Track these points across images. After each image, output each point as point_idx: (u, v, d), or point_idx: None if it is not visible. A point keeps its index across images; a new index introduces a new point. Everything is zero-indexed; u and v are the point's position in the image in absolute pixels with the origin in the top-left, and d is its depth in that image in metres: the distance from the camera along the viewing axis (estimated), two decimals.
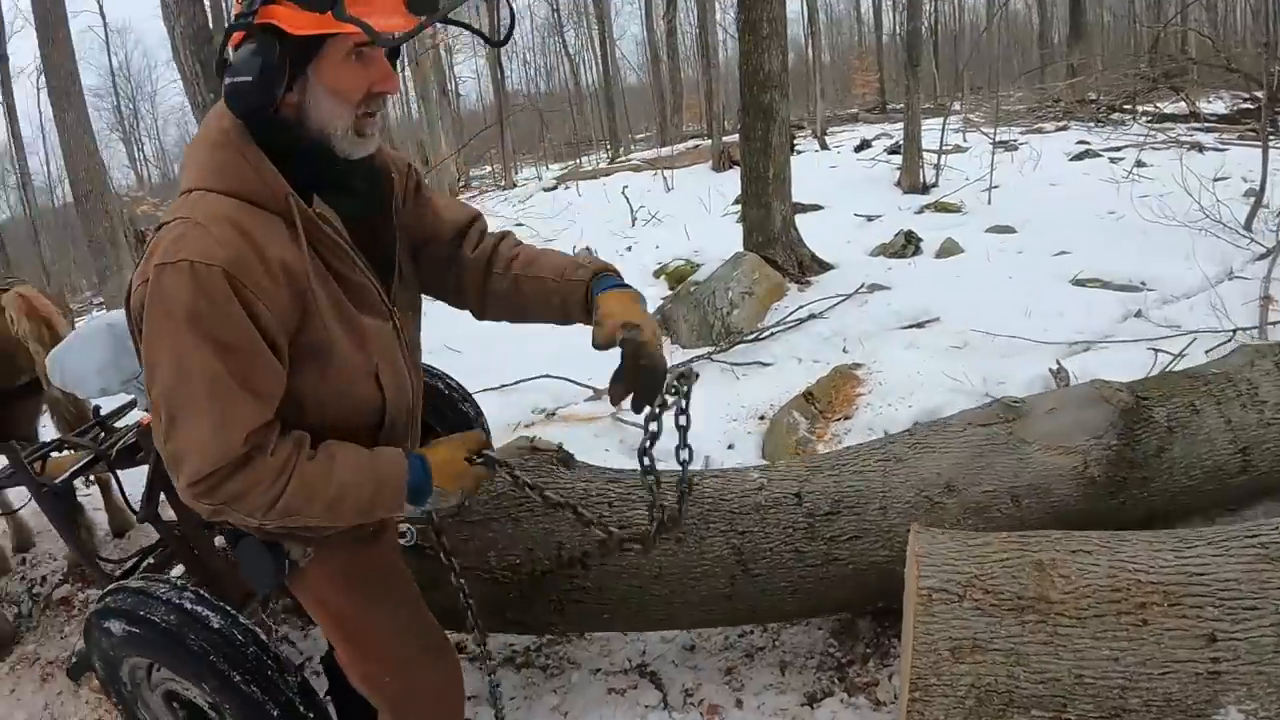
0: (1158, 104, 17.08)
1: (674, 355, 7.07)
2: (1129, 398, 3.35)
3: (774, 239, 8.29)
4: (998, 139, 13.93)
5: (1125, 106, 17.28)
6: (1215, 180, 9.17)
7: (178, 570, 3.77)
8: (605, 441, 5.59)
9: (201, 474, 1.81)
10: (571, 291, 2.32)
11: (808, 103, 23.59)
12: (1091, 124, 16.48)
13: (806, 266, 8.33)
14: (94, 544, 4.93)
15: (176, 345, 1.77)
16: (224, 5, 12.31)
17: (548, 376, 6.71)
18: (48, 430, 5.01)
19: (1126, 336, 5.80)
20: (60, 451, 4.23)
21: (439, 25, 2.03)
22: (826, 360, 6.14)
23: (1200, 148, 12.50)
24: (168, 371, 1.80)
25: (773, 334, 6.87)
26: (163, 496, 3.63)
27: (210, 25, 8.57)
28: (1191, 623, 2.40)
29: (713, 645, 3.70)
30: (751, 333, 6.97)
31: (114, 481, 4.09)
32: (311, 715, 2.78)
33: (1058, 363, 5.13)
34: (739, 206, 9.52)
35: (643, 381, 2.31)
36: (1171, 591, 2.44)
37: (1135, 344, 5.53)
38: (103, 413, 4.40)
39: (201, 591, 2.90)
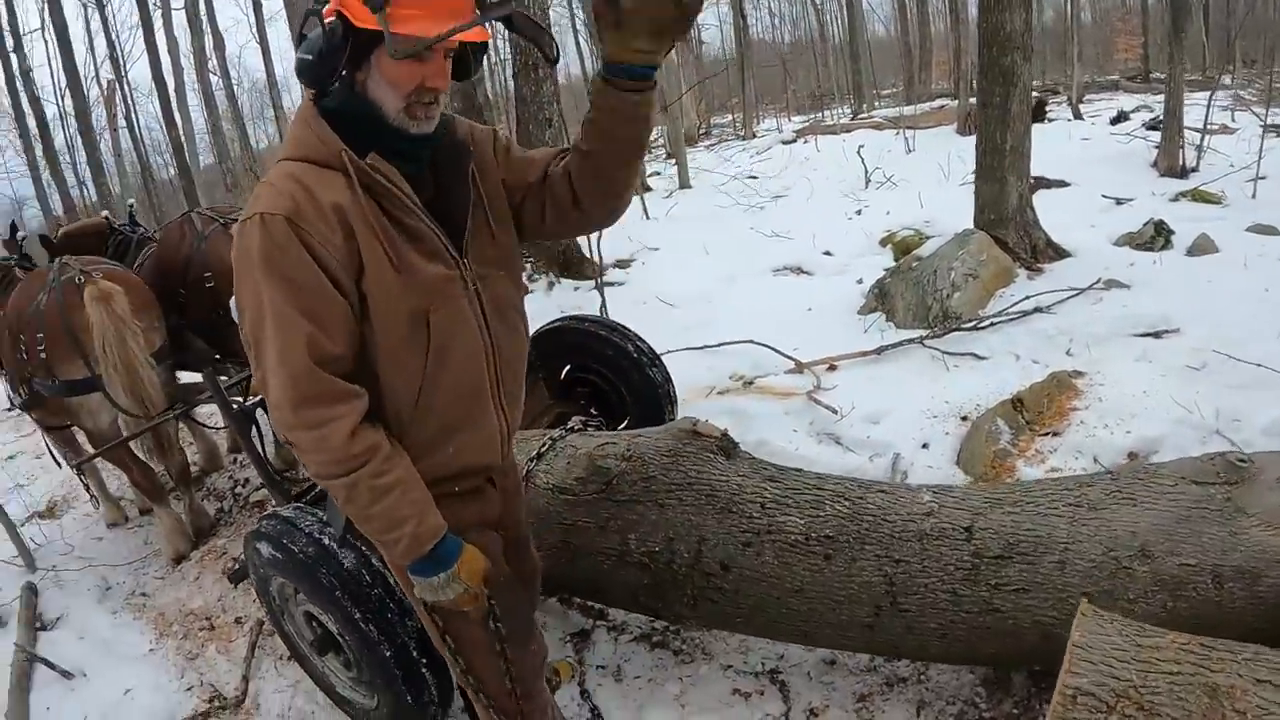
0: None
1: (887, 332, 6.76)
2: None
3: (1007, 218, 7.62)
4: (1269, 121, 12.72)
5: None
6: None
7: None
8: (795, 421, 5.42)
9: (282, 407, 2.08)
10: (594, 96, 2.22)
11: (1065, 67, 22.27)
12: None
13: (1040, 251, 7.66)
14: (281, 464, 5.31)
15: (253, 284, 2.05)
16: None
17: (752, 342, 6.56)
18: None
19: None
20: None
21: None
22: (1046, 362, 5.64)
23: None
24: (249, 309, 2.08)
25: (993, 324, 6.35)
26: None
27: None
28: None
29: (855, 665, 3.51)
30: (970, 320, 6.47)
31: None
32: (424, 661, 3.02)
33: None
34: None
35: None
36: None
37: None
38: None
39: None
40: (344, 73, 2.09)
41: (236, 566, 3.93)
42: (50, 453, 6.01)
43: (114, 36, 28.23)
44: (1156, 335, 5.81)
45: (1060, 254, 7.78)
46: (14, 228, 6.37)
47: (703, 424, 3.49)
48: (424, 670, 3.06)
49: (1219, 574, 2.70)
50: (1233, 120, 14.12)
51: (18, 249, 6.15)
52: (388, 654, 3.01)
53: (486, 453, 2.45)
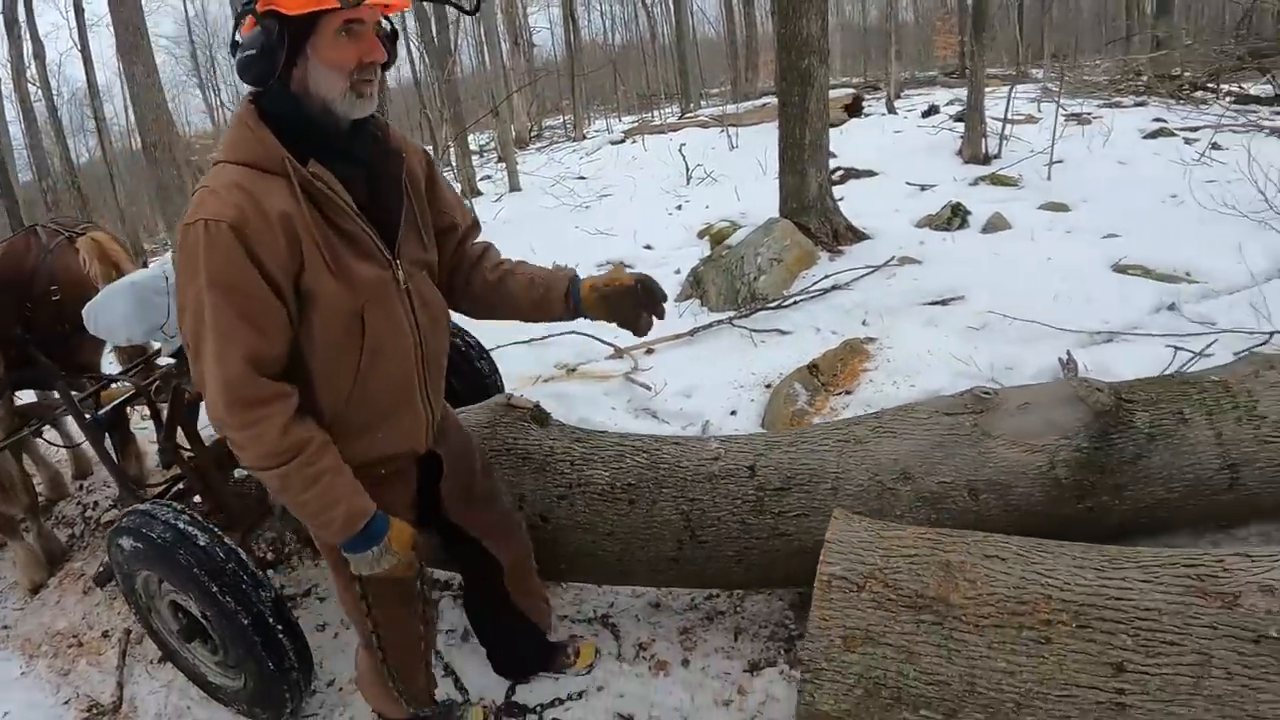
0: (1243, 84, 16.43)
1: (701, 316, 7.12)
2: (1108, 399, 3.22)
3: (808, 206, 8.14)
4: (1073, 112, 13.58)
5: (1209, 85, 16.64)
6: None
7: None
8: (614, 400, 5.71)
9: (218, 408, 2.21)
10: (556, 283, 2.80)
11: (886, 64, 23.20)
12: (1170, 101, 15.89)
13: (841, 235, 8.18)
14: (140, 471, 5.39)
15: (196, 289, 2.15)
16: None
17: (575, 333, 6.81)
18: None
19: (1154, 330, 5.60)
20: (110, 387, 4.79)
21: None
22: (845, 332, 6.09)
23: None
24: (190, 311, 2.18)
25: (796, 303, 6.80)
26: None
27: None
28: (1099, 648, 2.32)
29: (678, 605, 3.83)
30: (775, 300, 6.89)
31: (159, 415, 4.37)
32: (280, 628, 3.23)
33: (1068, 353, 5.00)
34: None
35: (657, 296, 2.81)
36: (1083, 612, 2.37)
37: (1158, 339, 5.35)
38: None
39: (195, 515, 3.39)
40: (280, 73, 2.20)
41: (101, 569, 4.08)
42: None
43: None
44: (943, 303, 6.32)
45: (860, 236, 8.32)
46: None
47: (517, 398, 3.75)
48: (281, 636, 3.26)
49: (973, 488, 3.16)
50: (1038, 110, 14.96)
51: None
52: (246, 623, 3.19)
53: (412, 439, 2.64)
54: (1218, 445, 3.23)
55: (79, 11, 26.54)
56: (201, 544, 3.25)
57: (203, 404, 3.31)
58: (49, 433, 5.95)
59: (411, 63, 27.95)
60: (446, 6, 2.64)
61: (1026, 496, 3.15)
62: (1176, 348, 5.08)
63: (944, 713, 2.42)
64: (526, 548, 3.23)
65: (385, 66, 2.35)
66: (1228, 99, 15.27)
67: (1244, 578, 2.33)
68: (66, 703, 4.11)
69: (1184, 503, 3.28)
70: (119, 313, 3.96)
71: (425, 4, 15.97)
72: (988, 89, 12.89)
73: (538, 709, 3.42)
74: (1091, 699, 2.29)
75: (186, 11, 41.84)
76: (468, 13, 2.74)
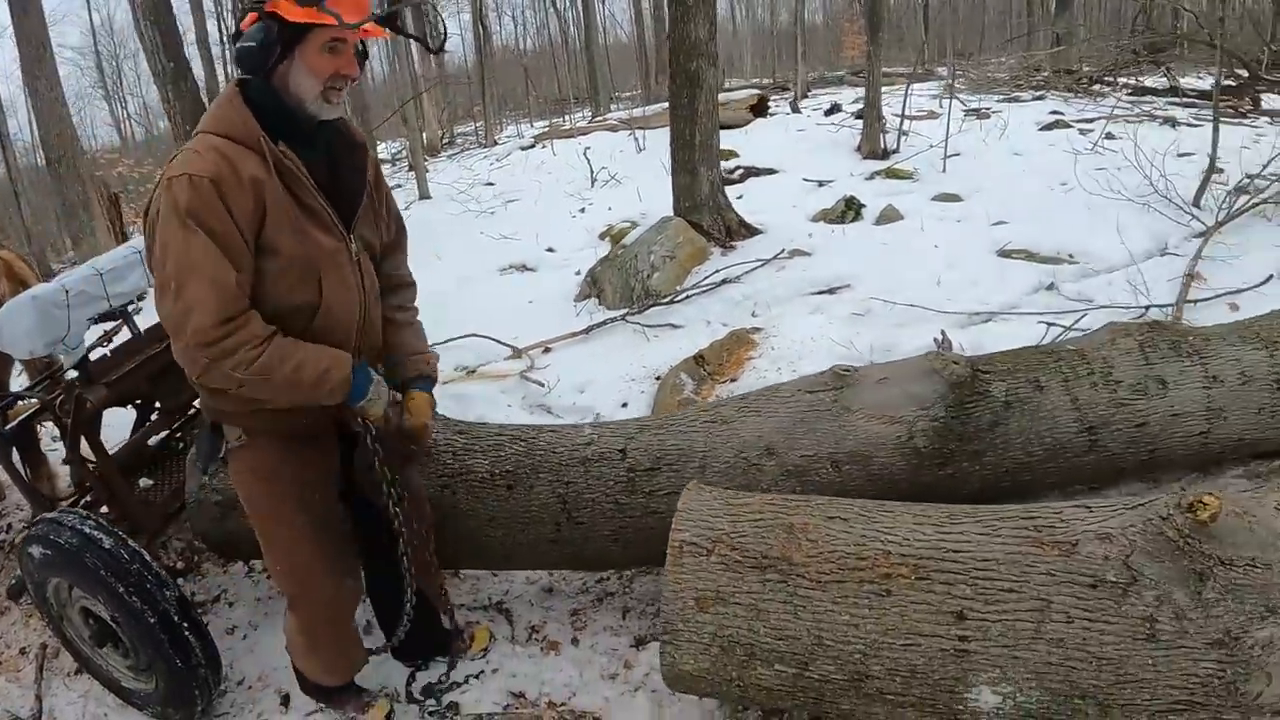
0: (1139, 78, 16.90)
1: (597, 315, 7.22)
2: (963, 370, 3.37)
3: (701, 204, 8.34)
4: (973, 107, 13.89)
5: (1107, 79, 17.11)
6: (1180, 156, 9.24)
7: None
8: (510, 397, 5.82)
9: (204, 326, 2.48)
10: (398, 365, 3.12)
11: (794, 65, 23.47)
12: (1068, 95, 16.30)
13: (734, 231, 8.38)
14: (53, 490, 5.23)
15: (181, 231, 2.46)
16: None
17: (475, 335, 6.91)
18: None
19: (1031, 309, 5.81)
20: (18, 404, 4.75)
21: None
22: (735, 323, 6.27)
23: (1174, 122, 12.28)
24: (175, 250, 2.48)
25: (688, 297, 6.96)
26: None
27: None
28: (939, 598, 2.43)
29: (570, 589, 3.99)
30: (667, 296, 7.03)
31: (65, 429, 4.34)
32: (186, 625, 3.36)
33: (942, 333, 5.18)
34: None
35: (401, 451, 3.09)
36: (921, 565, 2.48)
37: (1033, 316, 5.55)
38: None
39: (100, 520, 3.52)
40: (270, 66, 2.55)
41: (13, 581, 4.06)
42: None
43: None
44: (830, 291, 6.52)
45: (753, 232, 8.53)
46: None
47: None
48: (187, 634, 3.38)
49: (835, 460, 3.31)
50: (940, 107, 15.24)
51: None
52: (152, 621, 3.31)
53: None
54: (1074, 409, 3.41)
55: None
56: (106, 547, 3.37)
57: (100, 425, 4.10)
58: None
59: None
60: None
61: (888, 466, 3.30)
62: (1049, 324, 5.29)
63: (796, 666, 2.54)
64: (428, 525, 3.34)
65: (353, 80, 2.69)
66: (1124, 91, 15.67)
67: (1081, 527, 2.46)
68: None
69: (1046, 466, 3.45)
70: (21, 327, 3.99)
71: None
72: (894, 87, 13.19)
73: (436, 694, 3.52)
74: (935, 647, 2.40)
75: (92, 21, 41.00)
76: (432, 51, 3.06)
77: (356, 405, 2.80)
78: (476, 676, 3.58)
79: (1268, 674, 2.27)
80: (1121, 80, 16.70)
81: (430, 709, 3.47)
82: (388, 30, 2.70)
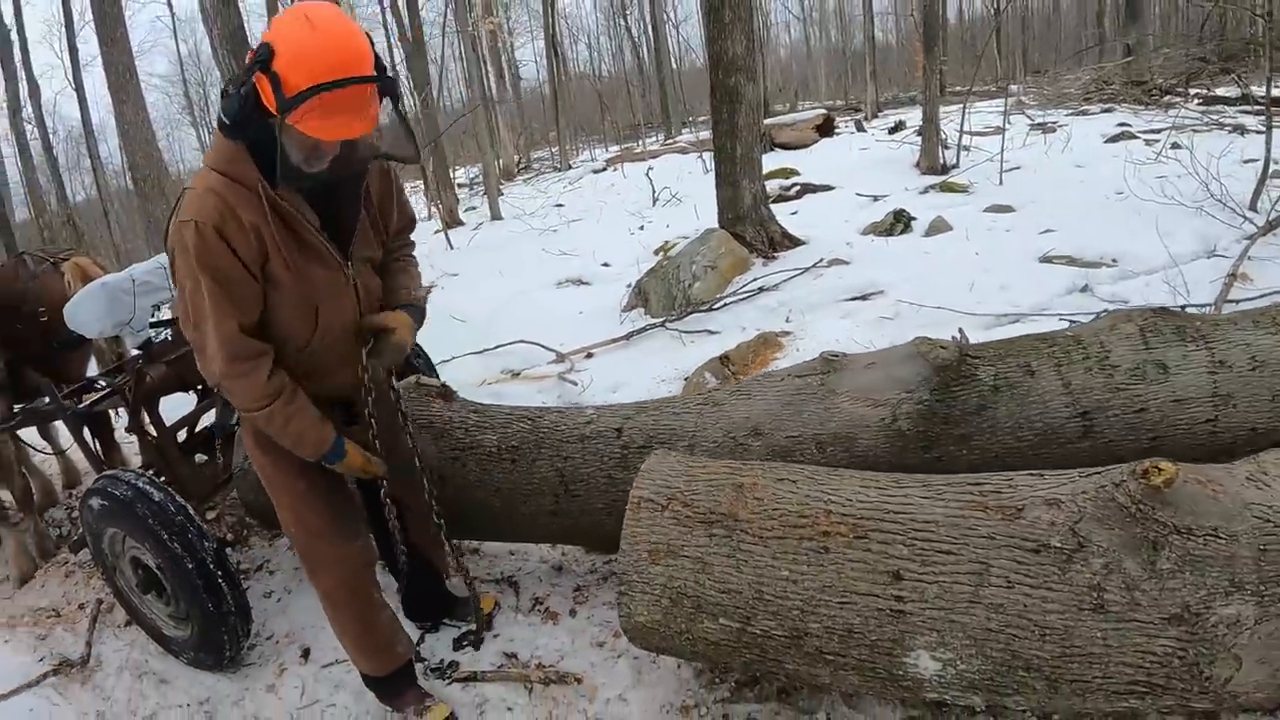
0: (1211, 87, 16.62)
1: (641, 323, 7.44)
2: (949, 355, 3.36)
3: (743, 216, 8.54)
4: (1039, 122, 13.85)
5: (1177, 89, 16.86)
6: (1245, 162, 9.08)
7: None
8: (545, 396, 6.08)
9: (211, 370, 2.78)
10: (387, 301, 3.23)
11: (865, 86, 23.52)
12: (1138, 107, 16.10)
13: (777, 242, 8.55)
14: (118, 463, 5.82)
15: (192, 273, 2.67)
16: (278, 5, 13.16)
17: (522, 342, 7.21)
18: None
19: (1062, 310, 5.84)
20: (93, 390, 5.25)
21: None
22: (769, 329, 6.43)
23: (1243, 130, 12.08)
24: (189, 292, 2.71)
25: (726, 305, 7.19)
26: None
27: (245, 26, 9.08)
28: (875, 558, 2.50)
29: (578, 569, 4.23)
30: (705, 303, 7.22)
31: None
32: (220, 573, 3.77)
33: (960, 331, 5.23)
34: None
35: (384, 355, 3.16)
36: (860, 525, 2.56)
37: (1061, 317, 5.60)
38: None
39: (153, 477, 3.96)
40: (260, 120, 2.61)
41: (75, 537, 4.55)
42: None
43: None
44: (863, 298, 6.66)
45: (796, 243, 8.70)
46: None
47: (425, 379, 4.17)
48: (221, 581, 3.77)
49: (820, 441, 3.39)
50: (1008, 123, 15.19)
51: None
52: (190, 566, 3.71)
53: (347, 394, 3.21)
54: (1066, 394, 3.32)
55: (73, 52, 27.03)
56: (156, 499, 3.79)
57: (170, 393, 4.73)
58: (42, 444, 6.50)
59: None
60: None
61: (871, 448, 3.35)
62: (1071, 321, 5.31)
63: (739, 620, 2.67)
64: (425, 498, 3.54)
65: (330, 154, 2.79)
66: (1195, 101, 15.45)
67: (1029, 493, 2.47)
68: (41, 660, 4.55)
69: (1037, 452, 3.32)
70: (92, 309, 4.56)
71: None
72: (961, 104, 13.16)
73: (451, 652, 3.83)
74: (871, 606, 2.47)
75: (179, 51, 42.42)
76: (412, 162, 3.11)
77: (326, 464, 3.09)
78: (478, 638, 3.86)
79: (1236, 656, 2.24)
80: (1193, 90, 16.44)
81: (431, 666, 3.75)
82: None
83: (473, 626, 3.88)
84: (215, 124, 2.81)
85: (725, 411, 3.55)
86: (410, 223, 3.37)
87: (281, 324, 2.88)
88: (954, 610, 2.38)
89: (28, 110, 25.83)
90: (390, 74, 2.65)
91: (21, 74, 25.32)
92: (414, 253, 3.44)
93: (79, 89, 27.07)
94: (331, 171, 2.76)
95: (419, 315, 3.25)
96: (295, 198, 2.77)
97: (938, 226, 8.73)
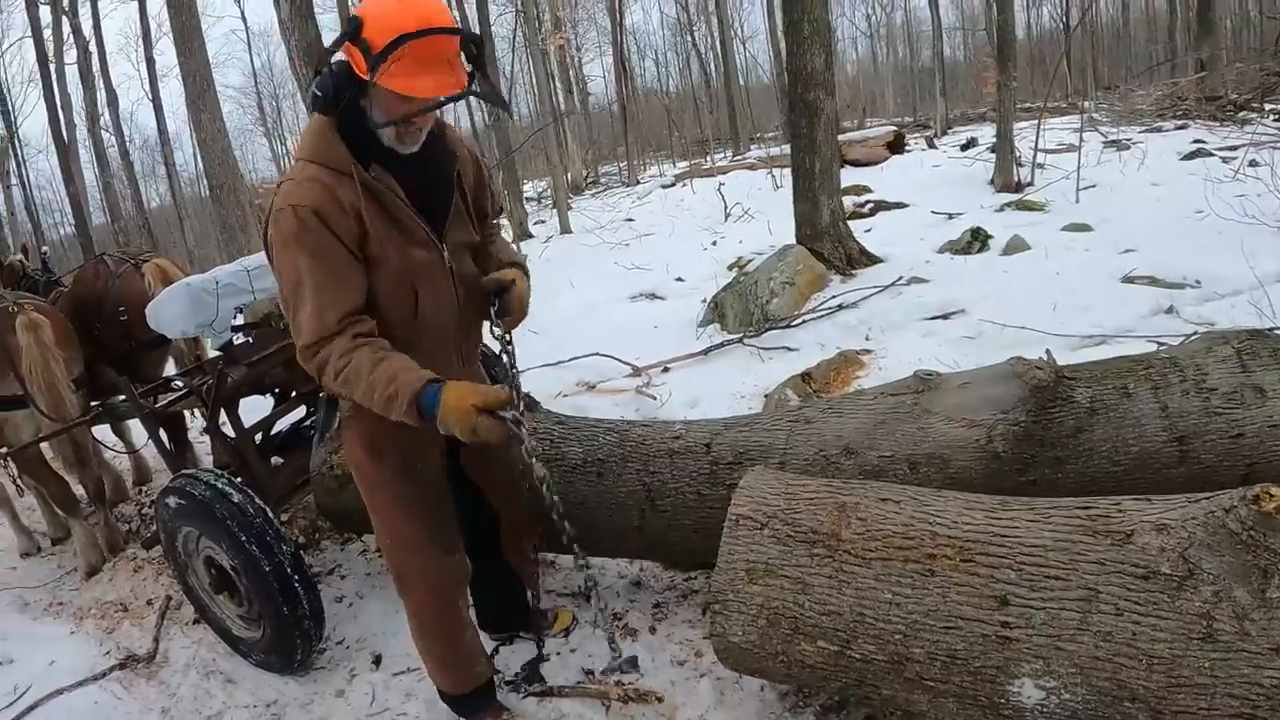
0: None
1: (717, 338, 7.45)
2: (1046, 375, 3.31)
3: (822, 232, 8.51)
4: (1112, 139, 13.66)
5: (1252, 104, 16.53)
6: None
7: None
8: (623, 410, 6.08)
9: (307, 342, 2.75)
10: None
11: (933, 102, 23.39)
12: (1212, 123, 15.81)
13: (854, 259, 8.50)
14: (191, 460, 6.17)
15: (290, 257, 2.72)
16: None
17: (598, 355, 7.27)
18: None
19: (1148, 332, 5.75)
20: (170, 390, 5.46)
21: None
22: (848, 346, 6.39)
23: None
24: (287, 275, 2.76)
25: (804, 322, 7.15)
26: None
27: (321, 40, 9.29)
28: (982, 581, 2.43)
29: (657, 584, 4.22)
30: (783, 320, 7.19)
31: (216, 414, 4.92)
32: (297, 577, 3.79)
33: (1048, 352, 5.14)
34: None
35: (512, 309, 3.11)
36: (967, 548, 2.49)
37: (1148, 339, 5.50)
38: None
39: (232, 477, 3.99)
40: (351, 97, 2.71)
41: (149, 534, 4.68)
42: None
43: (4, 90, 28.66)
44: (945, 317, 6.58)
45: (874, 261, 8.65)
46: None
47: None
48: (297, 585, 3.80)
49: (913, 461, 3.34)
50: (1080, 139, 15.01)
51: None
52: (267, 569, 3.74)
53: None
54: (1163, 418, 3.22)
55: (150, 63, 28.10)
56: (235, 500, 3.83)
57: (249, 395, 4.83)
58: (114, 441, 6.77)
59: (470, 112, 28.64)
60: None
61: (965, 470, 3.29)
62: (1158, 344, 5.21)
63: (838, 644, 2.62)
64: (523, 511, 3.57)
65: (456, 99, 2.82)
66: (1270, 117, 15.16)
67: (1138, 517, 2.37)
68: (107, 653, 4.64)
69: (1133, 476, 3.21)
70: (176, 309, 4.61)
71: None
72: (1033, 121, 13.03)
73: (521, 670, 3.79)
74: (977, 631, 2.40)
75: (253, 64, 43.60)
76: (506, 111, 3.28)
77: (430, 426, 2.76)
78: (556, 654, 3.84)
79: None
80: (1268, 106, 16.13)
81: (507, 679, 3.73)
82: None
83: (550, 638, 3.89)
84: (309, 104, 2.87)
85: (817, 429, 3.52)
86: (499, 210, 3.49)
87: (382, 307, 2.88)
88: (1061, 637, 2.30)
89: (105, 118, 26.58)
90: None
91: (100, 83, 26.14)
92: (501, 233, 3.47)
93: (155, 99, 27.98)
94: (424, 152, 2.87)
95: (526, 271, 3.22)
96: (388, 178, 2.81)
97: (1015, 245, 8.61)
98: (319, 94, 2.73)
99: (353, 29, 2.61)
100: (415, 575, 3.22)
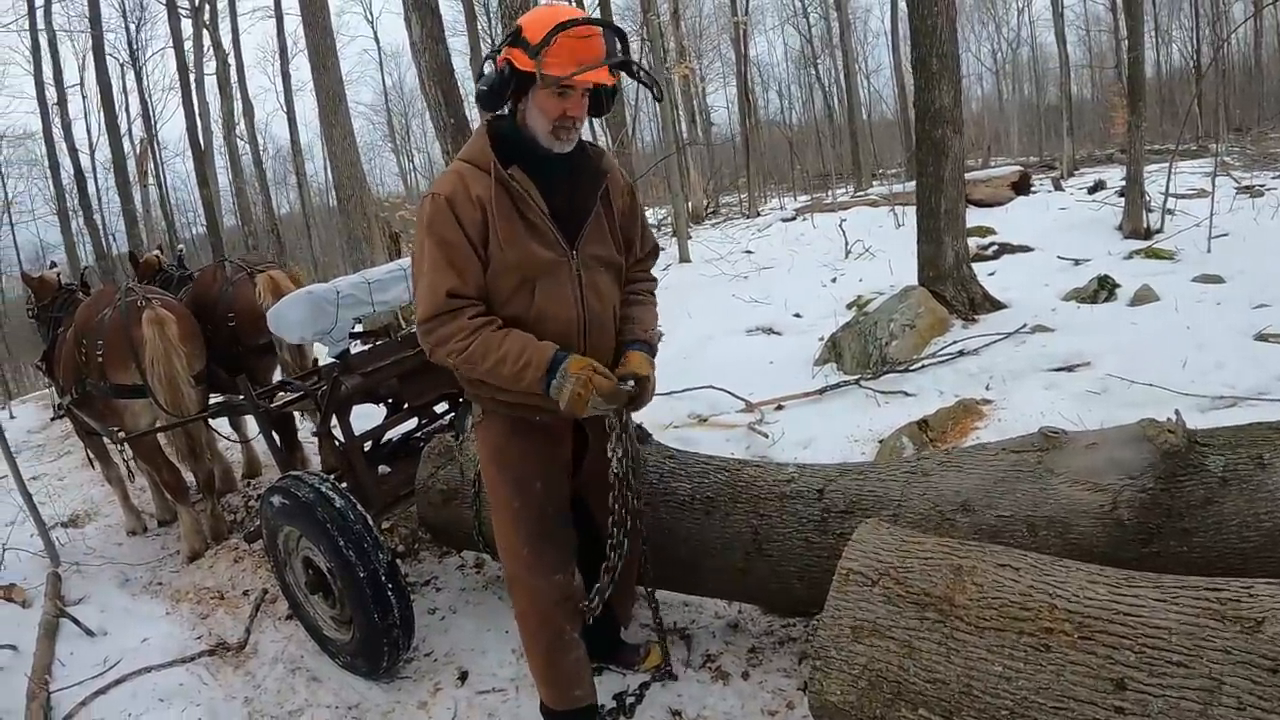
0: None
1: (833, 378, 7.37)
2: (1178, 440, 3.13)
3: (945, 274, 8.36)
4: (1245, 184, 13.23)
5: None
6: None
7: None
8: (733, 446, 6.06)
9: (423, 318, 3.00)
10: (620, 334, 3.33)
11: (1058, 142, 22.97)
12: None
13: (977, 304, 8.33)
14: (303, 466, 6.23)
15: (421, 239, 3.04)
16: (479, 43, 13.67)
17: (711, 387, 7.25)
18: None
19: None
20: (283, 392, 5.58)
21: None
22: (967, 394, 6.24)
23: None
24: (418, 255, 3.07)
25: (924, 366, 7.02)
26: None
27: (451, 62, 9.55)
28: (1100, 661, 2.31)
29: (755, 629, 4.17)
30: (902, 363, 7.10)
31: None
32: (390, 586, 3.90)
33: (1177, 412, 4.97)
34: None
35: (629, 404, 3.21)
36: (1087, 624, 2.37)
37: None
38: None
39: (336, 482, 4.12)
40: (510, 105, 3.05)
41: (251, 529, 4.82)
42: (88, 457, 7.15)
43: (146, 96, 30.13)
44: (1069, 369, 6.40)
45: (998, 306, 8.45)
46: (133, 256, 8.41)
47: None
48: (390, 594, 3.90)
49: (1032, 523, 3.19)
50: (1211, 185, 14.59)
51: (81, 278, 7.94)
52: (363, 575, 3.86)
53: None
54: None
55: (285, 76, 29.55)
56: (337, 506, 3.98)
57: (361, 404, 4.98)
58: (229, 433, 7.15)
59: (594, 138, 28.93)
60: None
61: (1087, 536, 3.12)
62: None
63: (941, 714, 2.53)
64: (638, 538, 3.57)
65: (598, 114, 3.17)
66: None
67: (1270, 604, 2.22)
68: (199, 638, 4.84)
69: (1262, 555, 3.02)
70: (296, 316, 4.77)
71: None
72: (1163, 164, 12.65)
73: (615, 700, 3.80)
74: (1089, 714, 2.28)
75: (384, 83, 45.08)
76: (656, 98, 3.30)
77: (550, 395, 3.00)
78: (645, 689, 3.84)
79: None
80: None
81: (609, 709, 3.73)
82: (613, 74, 3.02)
83: (642, 678, 3.89)
84: (475, 99, 3.15)
85: (933, 483, 3.42)
86: (654, 250, 3.57)
87: (499, 298, 3.07)
88: None
89: (241, 127, 27.60)
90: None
91: (237, 94, 27.22)
92: (655, 290, 3.58)
93: (289, 111, 29.11)
94: (573, 162, 3.12)
95: (652, 354, 3.33)
96: (526, 180, 3.03)
97: (1144, 296, 8.34)
98: (484, 89, 2.99)
99: (513, 32, 2.91)
100: (519, 586, 3.40)
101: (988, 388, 6.33)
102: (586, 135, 3.44)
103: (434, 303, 2.99)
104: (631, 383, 3.13)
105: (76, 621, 4.94)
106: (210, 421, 6.20)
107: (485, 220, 2.99)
